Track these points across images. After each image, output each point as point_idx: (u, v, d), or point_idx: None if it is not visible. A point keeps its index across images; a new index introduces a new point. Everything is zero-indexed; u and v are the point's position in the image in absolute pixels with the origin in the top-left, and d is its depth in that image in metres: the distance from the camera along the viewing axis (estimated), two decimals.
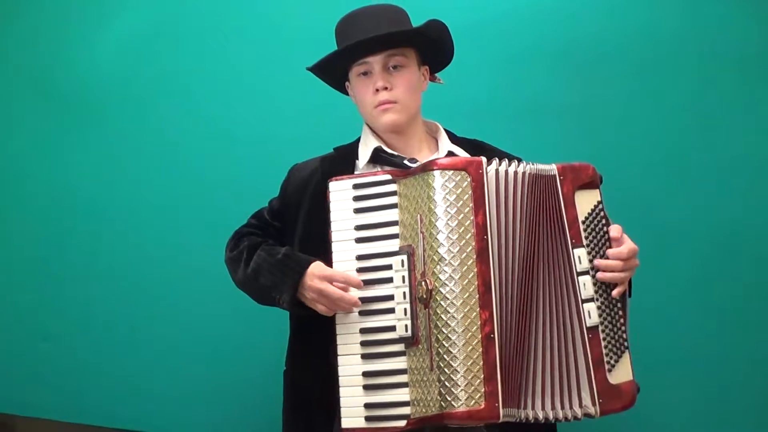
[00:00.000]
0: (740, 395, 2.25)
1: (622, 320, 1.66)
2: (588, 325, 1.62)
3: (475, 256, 1.56)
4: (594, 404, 1.60)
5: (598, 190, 1.70)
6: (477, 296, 1.55)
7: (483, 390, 1.52)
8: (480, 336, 1.54)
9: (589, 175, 1.69)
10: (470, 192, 1.58)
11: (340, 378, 1.66)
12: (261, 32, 2.54)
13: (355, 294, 1.66)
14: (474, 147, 1.89)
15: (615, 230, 1.67)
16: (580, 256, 1.64)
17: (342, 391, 1.66)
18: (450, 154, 1.85)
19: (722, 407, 2.26)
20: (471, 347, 1.53)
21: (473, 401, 1.52)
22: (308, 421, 1.71)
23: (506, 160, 1.64)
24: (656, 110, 2.34)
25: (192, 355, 2.49)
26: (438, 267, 1.57)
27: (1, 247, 2.64)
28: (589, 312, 1.62)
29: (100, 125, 2.61)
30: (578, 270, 1.63)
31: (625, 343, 1.66)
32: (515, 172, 1.63)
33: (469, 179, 1.59)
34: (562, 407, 1.61)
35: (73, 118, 2.63)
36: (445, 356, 1.54)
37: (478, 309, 1.54)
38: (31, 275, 2.61)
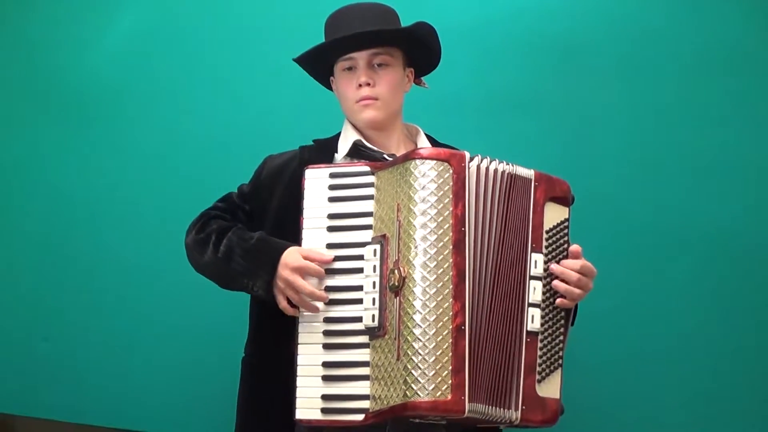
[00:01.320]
0: (738, 396, 2.25)
1: (561, 338, 1.65)
2: (528, 329, 1.60)
3: (451, 246, 1.54)
4: (517, 409, 1.57)
5: (568, 209, 1.71)
6: (451, 287, 1.52)
7: (450, 382, 1.47)
8: (451, 327, 1.50)
9: (563, 190, 1.70)
10: (451, 183, 1.57)
11: (298, 367, 1.60)
12: (261, 32, 2.55)
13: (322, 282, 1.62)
14: None
15: (575, 248, 1.68)
16: (537, 261, 1.63)
17: (299, 381, 1.60)
18: None
19: (720, 408, 2.26)
20: (441, 337, 1.49)
21: (439, 392, 1.47)
22: (267, 409, 1.63)
23: (488, 157, 1.64)
24: (649, 110, 2.38)
25: (192, 356, 2.46)
26: (413, 253, 1.54)
27: (1, 247, 2.60)
28: (532, 316, 1.61)
29: (101, 125, 2.60)
30: (531, 273, 1.62)
31: (560, 361, 1.64)
32: (495, 170, 1.63)
33: (450, 171, 1.58)
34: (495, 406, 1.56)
35: (73, 119, 2.61)
36: (413, 344, 1.49)
37: (451, 299, 1.51)
38: (31, 275, 2.57)
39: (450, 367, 1.48)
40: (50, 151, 2.61)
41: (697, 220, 2.31)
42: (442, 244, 1.54)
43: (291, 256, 1.64)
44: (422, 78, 1.97)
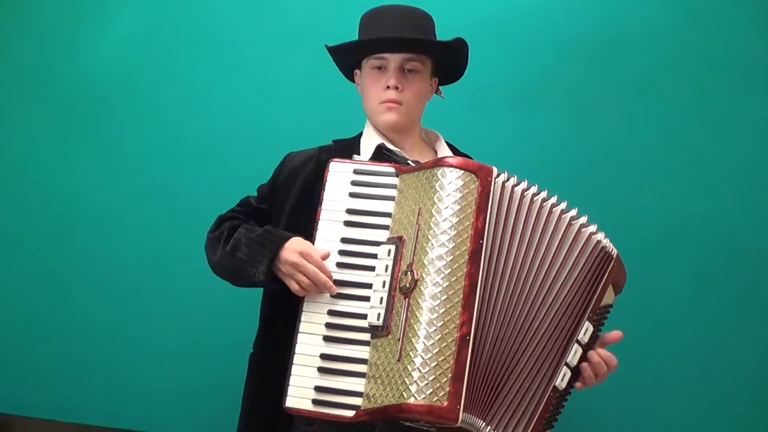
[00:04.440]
0: (738, 399, 2.25)
1: (559, 411, 1.66)
2: (556, 384, 1.61)
3: (467, 257, 1.54)
4: None
5: (615, 297, 1.73)
6: (461, 296, 1.52)
7: (448, 389, 1.46)
8: (456, 335, 1.49)
9: (623, 281, 1.73)
10: (475, 195, 1.58)
11: (295, 355, 1.59)
12: (263, 29, 2.57)
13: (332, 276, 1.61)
14: None
15: (617, 334, 1.69)
16: (587, 329, 1.64)
17: (294, 369, 1.59)
18: None
19: (720, 411, 2.26)
20: (445, 343, 1.49)
21: (436, 398, 1.46)
22: (271, 405, 1.60)
23: (515, 176, 1.65)
24: (655, 111, 2.39)
25: (192, 355, 2.46)
26: (429, 258, 1.54)
27: (1, 247, 2.61)
28: (563, 375, 1.62)
29: (101, 125, 2.62)
30: (579, 338, 1.63)
31: (553, 424, 1.66)
32: (522, 191, 1.63)
33: (477, 183, 1.59)
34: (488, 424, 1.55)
35: (74, 118, 2.63)
36: (417, 346, 1.49)
37: (460, 308, 1.51)
38: (31, 275, 2.58)
39: (450, 375, 1.47)
40: (50, 151, 2.62)
41: (699, 219, 2.33)
42: (459, 252, 1.54)
43: (296, 241, 1.65)
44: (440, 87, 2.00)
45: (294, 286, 1.62)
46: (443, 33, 1.91)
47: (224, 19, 2.61)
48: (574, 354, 1.62)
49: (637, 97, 2.41)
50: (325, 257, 1.62)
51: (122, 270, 2.52)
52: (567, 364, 1.61)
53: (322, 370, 1.57)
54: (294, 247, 1.63)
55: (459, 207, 1.57)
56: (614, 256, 1.67)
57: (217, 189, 2.39)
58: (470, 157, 1.94)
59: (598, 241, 1.65)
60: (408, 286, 1.54)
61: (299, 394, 1.57)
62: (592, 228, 1.66)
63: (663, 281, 2.31)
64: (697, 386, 2.28)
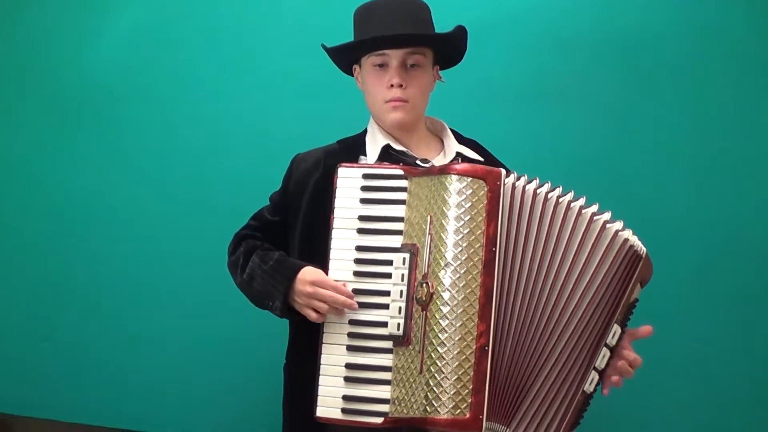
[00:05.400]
0: (739, 397, 2.28)
1: (584, 412, 1.67)
2: (584, 389, 1.63)
3: (481, 267, 1.55)
4: None
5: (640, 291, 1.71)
6: (477, 307, 1.54)
7: (470, 400, 1.52)
8: (474, 347, 1.53)
9: (650, 277, 1.70)
10: (485, 202, 1.57)
11: (321, 366, 1.64)
12: (264, 29, 2.53)
13: (348, 287, 1.64)
14: (479, 149, 1.90)
15: (648, 329, 1.69)
16: (616, 332, 1.64)
17: (321, 380, 1.64)
18: (458, 155, 1.84)
19: (721, 408, 2.29)
20: (464, 356, 1.53)
21: (458, 410, 1.51)
22: (307, 414, 1.67)
23: (525, 176, 1.63)
24: (655, 107, 2.36)
25: (192, 355, 2.49)
26: (443, 271, 1.56)
27: (1, 247, 2.62)
28: (592, 379, 1.63)
29: (104, 124, 2.60)
30: (607, 341, 1.63)
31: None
32: (534, 190, 1.62)
33: (486, 189, 1.58)
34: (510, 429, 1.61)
35: (77, 117, 2.61)
36: (437, 361, 1.53)
37: (477, 320, 1.54)
38: (31, 275, 2.59)
39: (471, 387, 1.52)
40: (49, 151, 2.61)
41: (701, 215, 2.32)
42: (472, 264, 1.55)
43: (308, 272, 1.67)
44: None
45: (312, 315, 1.65)
46: (444, 25, 1.85)
47: (227, 17, 2.57)
48: (602, 358, 1.63)
49: (638, 95, 2.36)
50: (347, 296, 1.63)
51: (123, 270, 2.53)
52: (595, 368, 1.63)
53: (348, 380, 1.63)
54: (306, 278, 1.65)
55: (469, 216, 1.57)
56: (643, 255, 1.65)
57: (222, 188, 2.40)
58: (476, 142, 1.91)
59: (626, 240, 1.61)
60: (424, 299, 1.56)
61: (328, 404, 1.63)
62: (618, 225, 1.63)
63: (665, 277, 2.26)
64: (698, 384, 2.29)
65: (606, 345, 1.63)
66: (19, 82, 2.65)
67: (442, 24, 1.86)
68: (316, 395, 1.63)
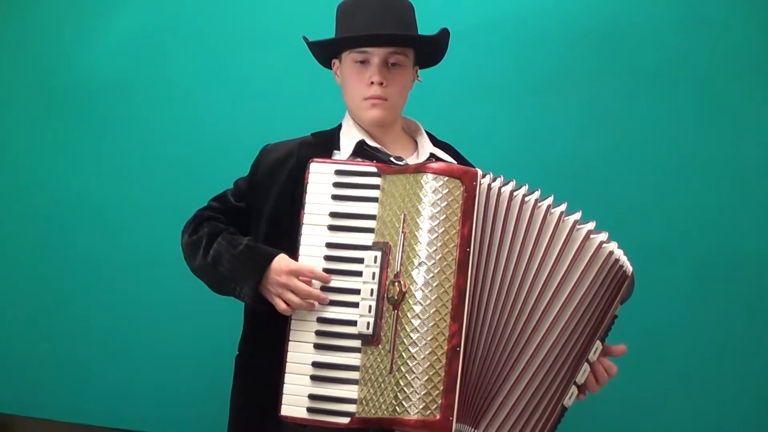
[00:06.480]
0: (739, 405, 2.29)
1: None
2: (564, 402, 1.62)
3: (455, 267, 1.54)
4: None
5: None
6: (450, 307, 1.53)
7: (440, 401, 1.50)
8: (446, 347, 1.51)
9: (629, 295, 1.68)
10: (461, 202, 1.56)
11: (287, 364, 1.61)
12: (260, 31, 2.54)
13: (317, 284, 1.61)
14: (453, 153, 1.89)
15: (622, 348, 1.68)
16: (597, 348, 1.62)
17: (287, 378, 1.61)
18: (432, 156, 1.83)
19: (721, 417, 2.29)
20: (436, 357, 1.51)
21: (429, 411, 1.50)
22: (259, 406, 1.63)
23: (501, 177, 1.63)
24: (653, 113, 2.37)
25: (192, 355, 2.48)
26: (416, 270, 1.54)
27: (1, 247, 2.60)
28: (571, 394, 1.62)
29: (99, 126, 2.60)
30: (589, 357, 1.62)
31: None
32: (511, 192, 1.60)
33: (462, 188, 1.57)
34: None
35: (72, 119, 2.62)
36: (408, 361, 1.51)
37: (449, 320, 1.52)
38: (31, 275, 2.59)
39: (441, 387, 1.50)
40: (50, 150, 2.61)
41: (701, 222, 2.33)
42: (446, 263, 1.54)
43: (283, 261, 1.63)
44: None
45: (281, 306, 1.61)
46: (428, 25, 1.85)
47: (221, 20, 2.57)
48: (583, 373, 1.61)
49: (640, 97, 2.37)
50: (324, 279, 1.61)
51: (122, 270, 2.54)
52: (575, 383, 1.61)
53: (314, 378, 1.60)
54: (282, 267, 1.62)
55: (444, 216, 1.56)
56: (629, 274, 1.63)
57: (222, 188, 2.36)
58: (450, 145, 1.91)
59: (611, 252, 1.59)
60: (396, 297, 1.54)
61: (294, 402, 1.60)
62: (603, 236, 1.61)
63: (664, 286, 2.30)
64: (698, 392, 2.30)
65: (587, 361, 1.62)
66: (16, 82, 2.66)
67: (427, 24, 1.86)
68: (281, 393, 1.60)
